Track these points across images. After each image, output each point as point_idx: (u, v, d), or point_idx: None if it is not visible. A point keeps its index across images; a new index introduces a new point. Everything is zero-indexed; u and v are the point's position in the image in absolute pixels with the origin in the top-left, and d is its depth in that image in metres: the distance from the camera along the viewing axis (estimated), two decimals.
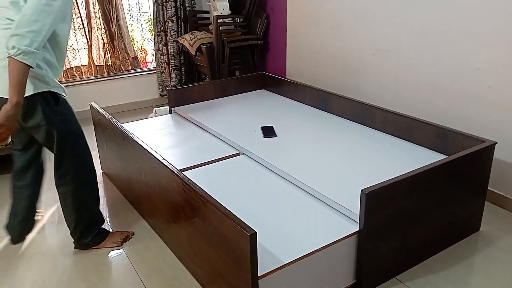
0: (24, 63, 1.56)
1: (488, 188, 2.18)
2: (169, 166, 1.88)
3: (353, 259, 1.75)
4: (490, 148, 2.03)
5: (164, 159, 1.96)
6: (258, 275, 1.47)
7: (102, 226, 2.16)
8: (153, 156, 2.00)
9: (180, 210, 1.85)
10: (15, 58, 1.55)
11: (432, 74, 2.60)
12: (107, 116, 2.53)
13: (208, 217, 1.62)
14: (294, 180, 2.09)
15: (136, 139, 2.19)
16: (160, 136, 2.77)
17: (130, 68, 4.48)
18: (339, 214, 1.84)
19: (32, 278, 1.97)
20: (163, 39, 4.29)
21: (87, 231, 2.08)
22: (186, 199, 1.76)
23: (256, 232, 1.38)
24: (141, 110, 4.33)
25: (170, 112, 3.24)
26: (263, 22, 3.93)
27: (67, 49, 2.00)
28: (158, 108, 3.57)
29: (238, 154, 2.46)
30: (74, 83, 4.13)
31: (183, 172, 2.23)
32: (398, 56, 2.79)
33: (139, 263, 2.03)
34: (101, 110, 2.63)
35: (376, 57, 2.95)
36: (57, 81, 1.87)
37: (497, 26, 2.22)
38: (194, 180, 2.15)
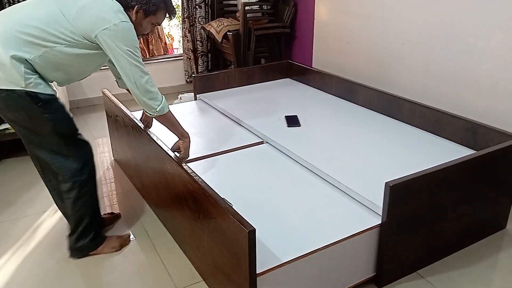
0: (167, 111, 1.89)
1: None
2: (174, 157, 1.88)
3: (374, 251, 1.73)
4: None
5: (169, 149, 1.96)
6: (275, 265, 1.48)
7: (100, 230, 2.09)
8: (159, 146, 1.99)
9: (183, 202, 1.85)
10: (158, 117, 1.87)
11: (463, 66, 2.53)
12: (117, 103, 2.54)
13: (210, 211, 1.61)
14: (317, 170, 2.08)
15: (142, 128, 2.19)
16: (184, 122, 2.76)
17: (162, 53, 4.52)
18: (362, 206, 1.83)
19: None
20: (188, 25, 4.30)
21: (84, 233, 1.98)
22: (189, 191, 1.76)
23: (254, 229, 1.35)
24: (167, 96, 4.35)
25: (195, 99, 3.25)
26: (291, 10, 3.89)
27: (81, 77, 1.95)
28: (184, 95, 3.60)
29: (262, 142, 2.46)
30: (102, 69, 4.18)
31: (203, 159, 2.26)
32: (428, 47, 2.72)
33: (141, 254, 2.04)
34: (112, 98, 2.63)
35: (405, 47, 2.89)
36: (45, 82, 1.77)
37: None
38: (215, 167, 2.18)
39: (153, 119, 2.02)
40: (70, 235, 2.00)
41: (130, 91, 1.81)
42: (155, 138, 2.07)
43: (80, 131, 1.92)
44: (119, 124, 2.61)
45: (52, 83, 1.84)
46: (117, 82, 2.20)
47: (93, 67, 1.89)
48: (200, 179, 1.69)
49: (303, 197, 1.92)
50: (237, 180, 2.07)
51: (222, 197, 1.57)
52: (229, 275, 1.57)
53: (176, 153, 1.98)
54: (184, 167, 1.80)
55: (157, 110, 1.83)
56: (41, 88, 1.71)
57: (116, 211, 2.39)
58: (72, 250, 2.01)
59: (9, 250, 2.09)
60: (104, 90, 2.81)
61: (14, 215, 2.37)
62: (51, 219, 2.32)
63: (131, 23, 1.74)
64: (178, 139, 2.01)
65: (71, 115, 1.89)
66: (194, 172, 1.75)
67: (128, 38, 1.71)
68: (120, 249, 2.06)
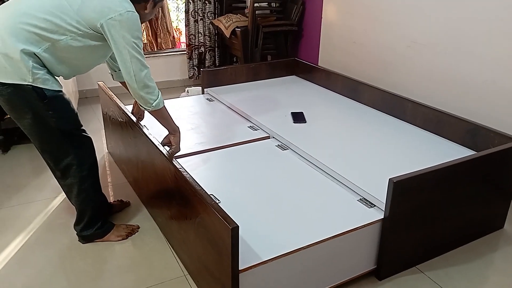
0: (162, 106, 1.86)
1: None
2: (163, 152, 1.89)
3: (375, 245, 1.80)
4: None
5: (160, 143, 1.97)
6: (271, 257, 1.52)
7: (106, 219, 2.15)
8: (150, 140, 2.00)
9: (172, 197, 1.88)
10: (153, 111, 1.84)
11: (467, 71, 2.58)
12: (111, 96, 2.55)
13: (196, 207, 1.62)
14: (321, 165, 2.14)
15: (135, 122, 2.20)
16: (190, 115, 2.84)
17: (170, 47, 4.57)
18: (364, 201, 1.89)
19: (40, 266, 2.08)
20: (197, 20, 4.34)
21: (90, 224, 2.04)
22: (177, 186, 1.78)
23: (238, 226, 1.36)
24: (174, 89, 4.42)
25: (203, 93, 3.31)
26: (299, 8, 3.94)
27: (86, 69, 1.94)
28: (191, 88, 3.66)
29: (268, 137, 2.52)
30: None
31: (209, 152, 2.31)
32: (433, 51, 2.78)
33: (131, 247, 2.06)
34: (106, 90, 2.65)
35: (410, 50, 2.94)
36: (56, 78, 1.80)
37: None
38: (220, 161, 2.24)
39: (144, 111, 2.03)
40: (76, 224, 2.06)
41: (127, 84, 1.77)
42: (146, 132, 2.08)
43: (83, 127, 1.93)
44: (113, 117, 2.62)
45: (58, 77, 1.84)
46: (112, 75, 2.18)
47: (98, 59, 1.89)
48: (188, 175, 1.69)
49: (308, 191, 1.98)
50: (241, 174, 2.13)
51: (210, 193, 1.59)
52: (213, 271, 1.59)
53: (166, 147, 1.97)
54: (174, 162, 1.80)
55: (153, 105, 1.80)
56: (48, 84, 1.71)
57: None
58: (79, 237, 2.08)
59: (20, 233, 2.15)
60: (99, 82, 2.81)
61: (25, 200, 2.43)
62: (61, 204, 2.38)
63: (136, 13, 1.71)
64: (168, 133, 1.99)
65: (76, 110, 1.90)
66: (182, 167, 1.76)
67: (133, 29, 1.68)
68: (126, 238, 2.11)
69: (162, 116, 1.90)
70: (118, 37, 1.67)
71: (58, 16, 1.65)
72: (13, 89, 1.68)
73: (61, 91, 1.79)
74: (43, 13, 1.65)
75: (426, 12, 2.79)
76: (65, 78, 1.90)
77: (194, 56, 4.42)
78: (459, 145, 2.32)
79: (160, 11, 4.43)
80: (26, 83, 1.67)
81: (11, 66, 1.64)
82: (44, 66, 1.72)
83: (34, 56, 1.66)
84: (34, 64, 1.67)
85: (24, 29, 1.64)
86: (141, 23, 1.78)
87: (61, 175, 1.93)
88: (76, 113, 1.90)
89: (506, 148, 1.98)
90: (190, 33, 4.34)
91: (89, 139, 1.95)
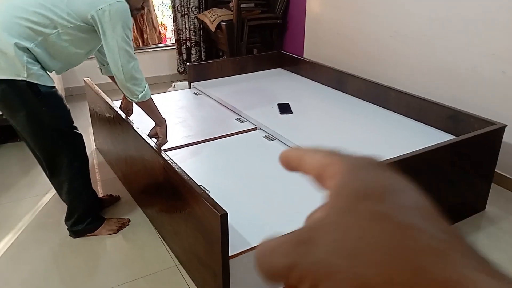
0: (148, 98, 1.87)
1: (496, 170, 2.25)
2: (152, 145, 1.91)
3: None
4: (499, 131, 2.09)
5: (148, 137, 1.98)
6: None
7: (97, 214, 2.16)
8: (138, 134, 2.01)
9: (162, 189, 1.91)
10: (140, 103, 1.85)
11: (448, 59, 2.65)
12: (98, 92, 2.56)
13: (186, 197, 1.65)
14: None
15: (123, 118, 2.21)
16: (177, 109, 2.87)
17: (157, 42, 4.57)
18: None
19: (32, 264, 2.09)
20: (180, 15, 4.35)
21: (80, 219, 2.05)
22: (167, 178, 1.80)
23: (227, 213, 1.40)
24: (161, 84, 4.43)
25: (189, 87, 3.33)
26: (283, 1, 3.97)
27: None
28: (177, 83, 3.67)
29: (255, 129, 2.56)
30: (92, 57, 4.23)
31: (197, 145, 2.35)
32: (415, 41, 2.84)
33: (122, 240, 2.09)
34: (93, 86, 2.66)
35: (393, 40, 3.00)
36: (46, 73, 1.80)
37: None
38: (208, 153, 2.27)
39: (133, 105, 2.05)
40: (67, 219, 2.07)
41: (114, 76, 1.78)
42: (134, 127, 2.09)
43: (75, 124, 1.94)
44: (100, 113, 2.63)
45: (51, 73, 1.84)
46: (101, 70, 2.19)
47: (90, 52, 1.90)
48: (176, 166, 1.72)
49: (295, 179, 2.01)
50: (229, 165, 2.17)
51: (199, 184, 1.62)
52: (203, 259, 1.63)
53: (154, 139, 1.99)
54: (162, 154, 1.83)
55: (139, 96, 1.82)
56: (42, 80, 1.72)
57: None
58: (70, 232, 2.09)
59: (11, 231, 2.16)
60: (85, 78, 2.82)
61: (15, 197, 2.44)
62: (51, 201, 2.39)
63: (126, 3, 1.71)
64: (155, 124, 2.01)
65: (68, 107, 1.91)
66: (171, 159, 1.78)
67: (122, 20, 1.69)
68: (117, 232, 2.13)
69: (149, 108, 1.93)
70: (107, 28, 1.68)
71: (49, 9, 1.66)
72: (7, 85, 1.68)
73: (54, 87, 1.80)
74: (34, 7, 1.65)
75: (408, 3, 2.85)
76: (57, 73, 1.91)
77: (183, 51, 4.43)
78: (441, 131, 2.38)
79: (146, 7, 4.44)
80: (21, 79, 1.67)
81: (5, 61, 1.65)
82: (37, 61, 1.72)
83: (27, 51, 1.67)
84: (29, 59, 1.67)
85: (17, 23, 1.64)
86: (132, 15, 1.78)
87: (52, 172, 1.94)
88: (69, 110, 1.91)
89: (485, 132, 2.04)
90: (178, 28, 4.35)
91: (80, 136, 1.97)
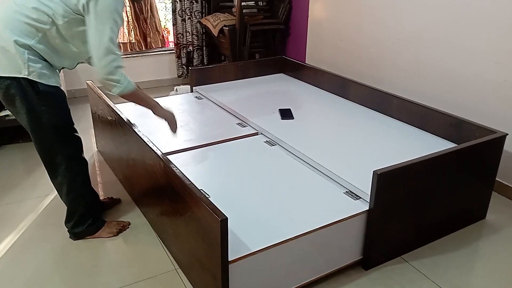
0: (129, 93, 1.80)
1: (496, 178, 2.25)
2: (153, 149, 1.90)
3: (362, 236, 1.85)
4: (500, 139, 2.09)
5: (149, 140, 1.97)
6: (256, 249, 1.55)
7: (98, 216, 2.16)
8: (140, 137, 2.01)
9: (162, 193, 1.91)
10: (124, 96, 1.81)
11: (451, 65, 2.65)
12: (100, 95, 2.57)
13: (186, 201, 1.65)
14: (308, 160, 2.19)
15: (125, 120, 2.20)
16: (179, 113, 2.87)
17: (160, 46, 4.59)
18: (350, 193, 1.94)
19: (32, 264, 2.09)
20: (184, 19, 4.37)
21: (81, 221, 2.05)
22: (168, 182, 1.80)
23: (227, 218, 1.40)
24: (163, 88, 4.44)
25: (191, 91, 3.34)
26: (286, 7, 3.99)
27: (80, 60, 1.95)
28: (180, 87, 3.69)
29: (256, 133, 2.56)
30: None
31: (198, 149, 2.35)
32: (419, 47, 2.85)
33: (122, 243, 2.09)
34: (95, 89, 2.67)
35: (396, 46, 3.01)
36: (51, 71, 1.79)
37: None
38: (210, 157, 2.27)
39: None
40: (67, 221, 2.07)
41: (94, 66, 1.71)
42: (136, 130, 2.09)
43: (74, 125, 1.94)
44: (102, 116, 2.64)
45: (62, 69, 1.84)
46: (88, 62, 2.04)
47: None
48: (177, 170, 1.72)
49: (295, 185, 2.02)
50: (230, 170, 2.17)
51: (200, 188, 1.62)
52: (203, 263, 1.63)
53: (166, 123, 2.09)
54: (163, 158, 1.82)
55: (117, 92, 1.76)
56: (43, 79, 1.72)
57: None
58: (70, 234, 2.10)
59: (13, 231, 2.17)
60: (88, 81, 2.83)
61: (17, 198, 2.45)
62: (53, 202, 2.40)
63: None
64: (153, 113, 2.04)
65: (68, 108, 1.91)
66: (172, 162, 1.78)
67: (112, 6, 1.65)
68: (117, 235, 2.13)
69: (137, 99, 1.93)
70: (94, 16, 1.64)
71: (45, 5, 1.66)
72: (9, 82, 1.70)
73: (57, 87, 1.80)
74: (32, 3, 1.66)
75: (411, 9, 2.86)
76: (69, 68, 1.91)
77: (182, 55, 4.45)
78: (443, 139, 2.38)
79: (150, 10, 4.46)
80: (22, 76, 1.68)
81: (7, 59, 1.67)
82: (43, 59, 1.73)
83: (29, 48, 1.68)
84: (30, 57, 1.68)
85: (18, 20, 1.65)
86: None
87: (51, 173, 1.95)
88: (69, 111, 1.91)
89: (486, 140, 2.04)
90: (178, 32, 4.37)
91: (79, 139, 1.97)
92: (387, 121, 2.67)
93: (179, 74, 4.50)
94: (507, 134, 2.11)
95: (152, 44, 4.57)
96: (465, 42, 2.54)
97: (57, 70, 1.84)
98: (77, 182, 1.97)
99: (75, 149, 1.95)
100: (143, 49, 4.59)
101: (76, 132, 1.96)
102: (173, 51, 4.52)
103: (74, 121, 1.94)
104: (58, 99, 1.82)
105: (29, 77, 1.69)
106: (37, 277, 1.87)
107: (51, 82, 1.77)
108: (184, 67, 4.48)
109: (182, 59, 4.45)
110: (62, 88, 1.87)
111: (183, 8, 4.30)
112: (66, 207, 2.06)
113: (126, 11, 4.38)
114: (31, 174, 2.69)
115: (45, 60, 1.75)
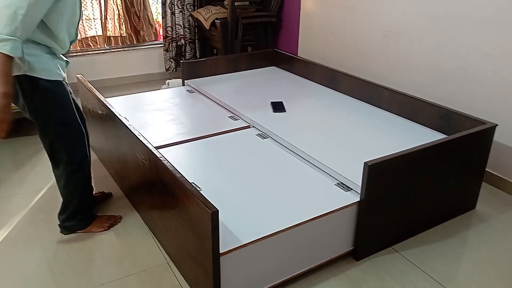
0: (1, 53, 1.47)
1: (486, 169, 2.27)
2: (144, 142, 1.90)
3: (353, 227, 1.86)
4: (490, 130, 2.11)
5: (140, 134, 1.97)
6: (246, 241, 1.56)
7: (89, 211, 2.15)
8: (131, 131, 2.01)
9: (153, 187, 1.91)
10: None
11: (440, 58, 2.66)
12: (90, 89, 2.55)
13: (177, 194, 1.65)
14: (300, 152, 2.19)
15: (116, 114, 2.19)
16: (170, 106, 2.86)
17: (153, 39, 4.56)
18: (341, 185, 1.95)
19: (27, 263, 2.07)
20: (174, 12, 4.34)
21: (73, 216, 2.05)
22: (158, 176, 1.81)
23: (217, 210, 1.41)
24: (154, 81, 4.42)
25: (183, 84, 3.33)
26: (278, 0, 3.97)
27: (74, 37, 1.86)
28: (171, 80, 3.67)
29: (248, 127, 2.56)
30: (89, 53, 4.22)
31: (190, 142, 2.35)
32: (408, 39, 2.85)
33: (114, 237, 2.08)
34: (85, 83, 2.65)
35: (386, 39, 3.01)
36: (53, 66, 1.77)
37: (506, 12, 2.27)
38: (202, 150, 2.27)
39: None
40: (60, 214, 2.07)
41: None
42: (126, 124, 2.09)
43: (80, 119, 1.94)
44: (92, 110, 2.63)
45: (62, 62, 1.81)
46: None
47: (70, 11, 1.73)
48: (168, 163, 1.72)
49: (287, 177, 2.03)
50: (222, 163, 2.17)
51: (191, 181, 1.62)
52: (194, 256, 1.64)
53: None
54: (154, 152, 1.81)
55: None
56: (44, 74, 1.71)
57: None
58: (61, 227, 2.09)
59: (2, 227, 2.15)
60: (78, 75, 2.80)
61: (6, 194, 2.43)
62: (43, 198, 2.38)
63: None
64: None
65: (71, 102, 1.89)
66: (163, 156, 1.78)
67: None
68: (108, 229, 2.12)
69: None
70: None
71: None
72: (12, 79, 1.66)
73: (59, 81, 1.79)
74: None
75: (401, 2, 2.86)
76: (70, 39, 1.81)
77: (171, 48, 4.42)
78: (433, 130, 2.40)
79: (142, 3, 4.42)
80: (21, 73, 1.67)
81: None
82: (46, 46, 1.69)
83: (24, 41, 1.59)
84: (28, 52, 1.64)
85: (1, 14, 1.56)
86: None
87: (53, 165, 1.96)
88: (72, 105, 1.89)
89: (476, 131, 2.06)
90: (166, 25, 4.34)
91: (83, 133, 1.96)
92: (378, 112, 2.67)
93: (166, 68, 4.47)
94: (497, 125, 2.12)
95: (146, 37, 4.53)
96: (454, 34, 2.55)
97: (61, 60, 1.81)
98: (75, 178, 1.97)
99: (76, 145, 1.94)
100: (135, 42, 4.56)
101: (81, 126, 1.94)
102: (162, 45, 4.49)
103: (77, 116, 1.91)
104: (60, 94, 1.81)
105: (29, 74, 1.68)
106: (26, 273, 1.86)
107: (53, 77, 1.75)
108: (172, 60, 4.44)
109: (171, 52, 4.42)
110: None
111: (175, 1, 4.27)
112: (57, 202, 2.05)
113: (117, 4, 4.34)
114: (20, 170, 2.66)
115: (45, 46, 1.70)
